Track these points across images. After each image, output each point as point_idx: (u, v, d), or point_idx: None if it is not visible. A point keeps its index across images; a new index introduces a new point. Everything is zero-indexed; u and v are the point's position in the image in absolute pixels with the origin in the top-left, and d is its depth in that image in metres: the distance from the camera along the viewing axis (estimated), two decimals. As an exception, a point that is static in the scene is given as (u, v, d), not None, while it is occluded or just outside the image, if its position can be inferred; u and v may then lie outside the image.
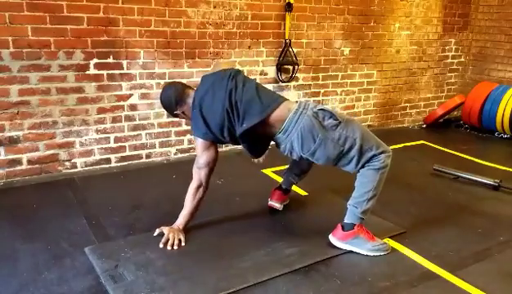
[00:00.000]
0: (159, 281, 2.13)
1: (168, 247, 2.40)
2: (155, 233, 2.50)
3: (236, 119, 2.34)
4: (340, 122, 2.33)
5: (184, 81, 3.83)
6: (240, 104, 2.33)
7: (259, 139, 2.45)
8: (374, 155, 2.35)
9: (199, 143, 2.44)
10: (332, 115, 2.35)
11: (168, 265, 2.26)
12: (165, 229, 2.48)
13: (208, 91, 2.40)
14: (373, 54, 4.97)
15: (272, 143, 2.51)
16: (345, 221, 2.44)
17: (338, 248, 2.45)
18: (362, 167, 2.37)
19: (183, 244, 2.43)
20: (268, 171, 3.63)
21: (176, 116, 2.60)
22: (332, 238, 2.48)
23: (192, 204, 2.49)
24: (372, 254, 2.41)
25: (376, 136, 2.47)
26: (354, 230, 2.41)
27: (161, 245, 2.41)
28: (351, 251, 2.43)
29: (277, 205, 2.89)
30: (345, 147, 2.32)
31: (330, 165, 2.41)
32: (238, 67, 4.08)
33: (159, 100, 2.66)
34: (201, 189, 2.47)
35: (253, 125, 2.32)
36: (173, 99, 2.49)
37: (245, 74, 2.58)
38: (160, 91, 2.62)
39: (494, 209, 3.08)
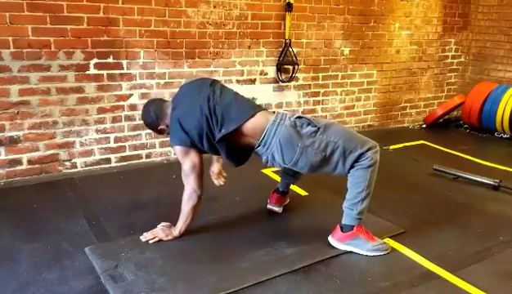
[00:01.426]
0: (159, 281, 2.13)
1: (142, 239, 2.47)
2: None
3: (215, 125, 2.33)
4: (319, 128, 2.31)
5: (184, 81, 3.86)
6: (219, 108, 2.33)
7: (238, 148, 2.43)
8: (360, 154, 2.32)
9: (179, 150, 2.40)
10: (310, 122, 2.34)
11: (168, 265, 2.26)
12: (160, 225, 2.55)
13: (186, 98, 2.41)
14: (373, 54, 4.97)
15: None
16: (343, 223, 2.44)
17: (337, 248, 2.45)
18: (351, 167, 2.35)
19: (151, 241, 2.45)
20: (268, 171, 3.63)
21: (161, 132, 2.55)
22: (331, 240, 2.48)
23: (186, 210, 2.46)
24: (372, 254, 2.41)
25: (361, 135, 2.45)
26: (353, 231, 2.41)
27: (142, 238, 2.48)
28: (351, 251, 2.43)
29: (276, 208, 2.89)
30: (327, 152, 2.30)
31: (317, 172, 2.40)
32: (238, 67, 4.10)
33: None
34: (194, 196, 2.42)
35: (231, 131, 2.32)
36: (154, 115, 2.48)
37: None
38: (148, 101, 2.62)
39: (494, 209, 3.08)
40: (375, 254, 2.41)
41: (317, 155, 2.30)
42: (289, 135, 2.29)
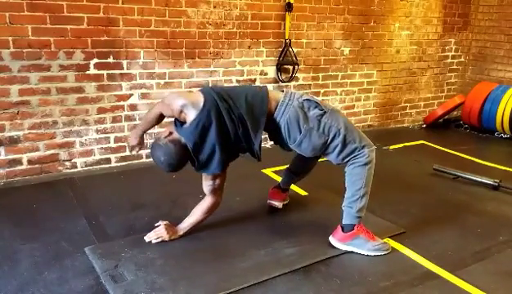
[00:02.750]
0: (159, 281, 2.13)
1: (146, 239, 2.47)
2: (156, 224, 2.55)
3: (250, 130, 2.31)
4: (325, 112, 2.35)
5: (184, 81, 3.86)
6: (243, 115, 2.29)
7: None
8: (356, 148, 2.36)
9: (214, 174, 2.39)
10: (317, 105, 2.37)
11: (168, 265, 2.26)
12: (162, 224, 2.53)
13: (213, 127, 2.25)
14: (373, 54, 4.97)
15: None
16: (344, 223, 2.45)
17: (338, 248, 2.45)
18: (344, 160, 2.39)
19: (154, 241, 2.46)
20: (268, 171, 3.63)
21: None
22: (332, 240, 2.48)
23: (202, 217, 2.54)
24: (373, 254, 2.41)
25: (361, 131, 2.49)
26: (354, 231, 2.41)
27: (146, 238, 2.48)
28: (351, 251, 2.43)
29: (276, 203, 2.91)
30: (330, 136, 2.34)
31: (317, 154, 2.47)
32: (238, 67, 4.10)
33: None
34: (217, 207, 2.55)
35: (264, 123, 2.34)
36: (180, 161, 2.31)
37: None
38: (157, 152, 2.31)
39: (494, 209, 3.08)
40: (376, 254, 2.42)
41: (321, 138, 2.34)
42: (296, 116, 2.32)
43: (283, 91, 2.48)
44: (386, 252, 2.44)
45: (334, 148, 2.36)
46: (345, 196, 2.44)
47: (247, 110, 2.30)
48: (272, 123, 2.38)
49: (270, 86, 4.34)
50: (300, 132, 2.33)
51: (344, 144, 2.35)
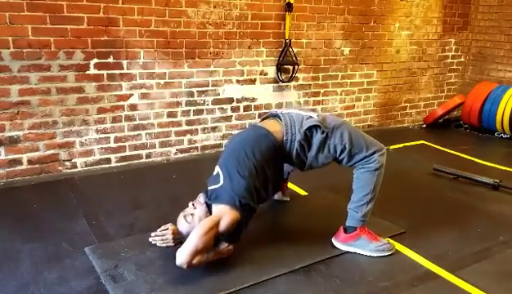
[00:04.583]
0: (159, 281, 2.13)
1: (151, 240, 2.34)
2: (163, 228, 2.37)
3: (266, 182, 2.36)
4: (327, 134, 2.36)
5: (184, 81, 3.86)
6: (267, 174, 2.33)
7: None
8: (364, 157, 2.38)
9: None
10: (319, 128, 2.35)
11: (168, 265, 2.26)
12: (170, 229, 2.34)
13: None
14: (373, 54, 4.97)
15: None
16: (347, 224, 2.45)
17: (338, 248, 2.45)
18: (353, 165, 2.42)
19: (162, 245, 2.33)
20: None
21: None
22: (335, 241, 2.48)
23: None
24: (376, 255, 2.40)
25: (368, 135, 2.49)
26: (356, 232, 2.41)
27: (151, 239, 2.34)
28: (351, 251, 2.43)
29: (278, 195, 3.01)
30: (337, 152, 2.39)
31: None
32: (238, 67, 4.10)
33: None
34: None
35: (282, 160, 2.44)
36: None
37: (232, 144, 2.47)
38: None
39: (494, 209, 3.08)
40: (380, 255, 2.41)
41: (328, 157, 2.41)
42: (302, 149, 2.38)
43: (280, 118, 2.42)
44: (390, 253, 2.43)
45: (342, 159, 2.42)
46: (352, 199, 2.44)
47: (268, 166, 2.33)
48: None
49: (270, 86, 4.35)
50: (307, 159, 2.41)
51: (351, 156, 2.39)
